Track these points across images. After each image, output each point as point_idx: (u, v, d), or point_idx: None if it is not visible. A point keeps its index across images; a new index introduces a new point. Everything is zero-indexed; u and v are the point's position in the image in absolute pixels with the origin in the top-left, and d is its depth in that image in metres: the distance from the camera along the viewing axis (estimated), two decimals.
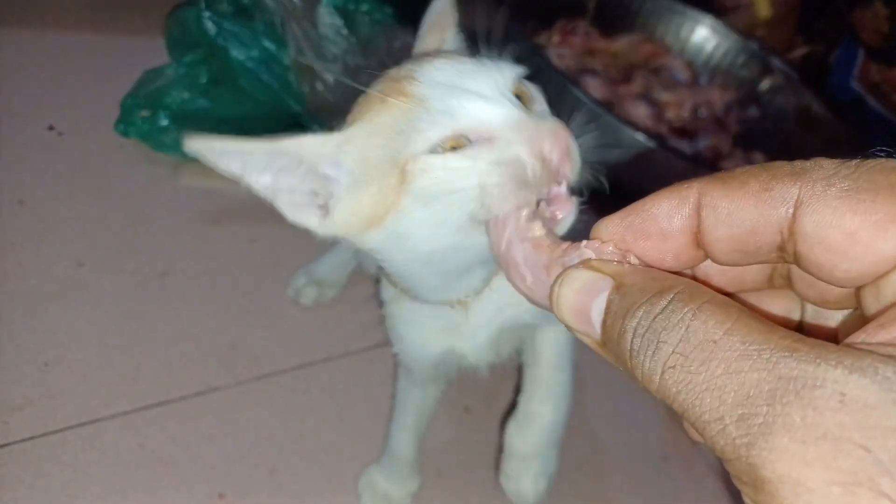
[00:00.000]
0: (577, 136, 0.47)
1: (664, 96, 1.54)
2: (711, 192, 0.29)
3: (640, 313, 0.27)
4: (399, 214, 0.46)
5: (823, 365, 0.22)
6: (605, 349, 0.30)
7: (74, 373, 0.83)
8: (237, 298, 0.96)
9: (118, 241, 0.97)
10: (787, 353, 0.23)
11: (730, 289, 0.34)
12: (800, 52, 1.63)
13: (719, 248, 0.30)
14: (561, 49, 1.53)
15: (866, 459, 0.20)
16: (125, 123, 1.06)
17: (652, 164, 1.23)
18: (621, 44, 1.61)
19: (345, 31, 1.18)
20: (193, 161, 0.46)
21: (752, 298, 0.34)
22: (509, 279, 0.39)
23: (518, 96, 0.46)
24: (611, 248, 0.33)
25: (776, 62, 1.61)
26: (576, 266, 0.32)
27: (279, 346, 0.93)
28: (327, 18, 1.17)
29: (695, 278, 0.33)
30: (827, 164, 0.27)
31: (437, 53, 0.52)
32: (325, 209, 0.49)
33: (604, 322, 0.30)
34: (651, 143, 1.16)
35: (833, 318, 0.33)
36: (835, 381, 0.21)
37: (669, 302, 0.27)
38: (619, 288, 0.30)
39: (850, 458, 0.21)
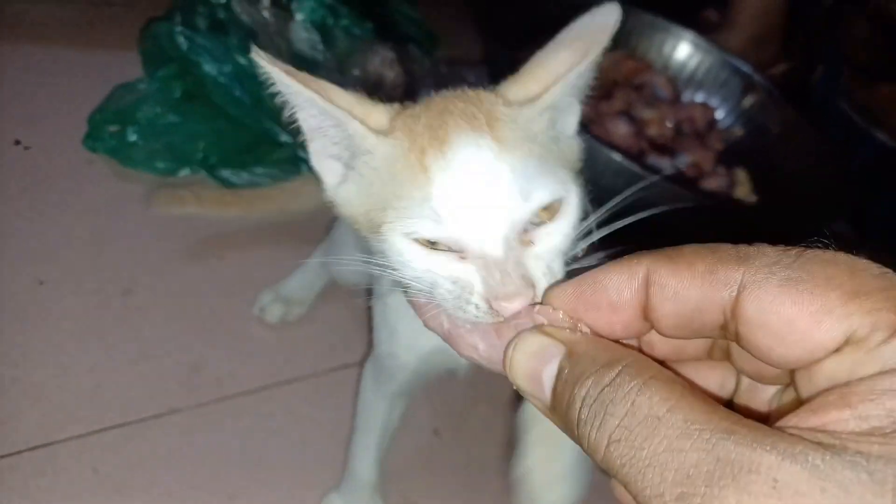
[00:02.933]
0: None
1: (645, 113, 1.53)
2: (660, 270, 0.31)
3: (590, 383, 0.29)
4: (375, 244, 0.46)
5: (759, 450, 0.23)
6: (554, 414, 0.31)
7: (29, 394, 0.81)
8: (201, 318, 0.94)
9: (81, 258, 0.95)
10: (725, 436, 0.24)
11: (671, 357, 0.36)
12: (780, 68, 1.62)
13: (665, 322, 0.32)
14: None
15: None
16: (93, 139, 1.05)
17: (631, 181, 1.21)
18: (603, 60, 1.60)
19: (321, 47, 1.18)
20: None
21: (691, 367, 0.36)
22: (459, 352, 0.39)
23: (549, 210, 0.43)
24: (561, 314, 0.34)
25: (759, 79, 1.60)
26: (530, 330, 0.34)
27: (242, 366, 0.91)
28: (303, 34, 1.16)
29: (640, 347, 0.35)
30: (769, 252, 0.29)
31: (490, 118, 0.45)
32: (344, 173, 0.48)
33: (554, 388, 0.31)
34: (626, 163, 1.15)
35: (766, 392, 0.35)
36: (769, 466, 0.23)
37: (617, 374, 0.28)
38: (570, 356, 0.31)
39: None
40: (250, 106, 1.10)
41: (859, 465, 0.22)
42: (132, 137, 1.03)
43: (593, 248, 0.50)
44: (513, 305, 0.39)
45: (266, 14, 1.06)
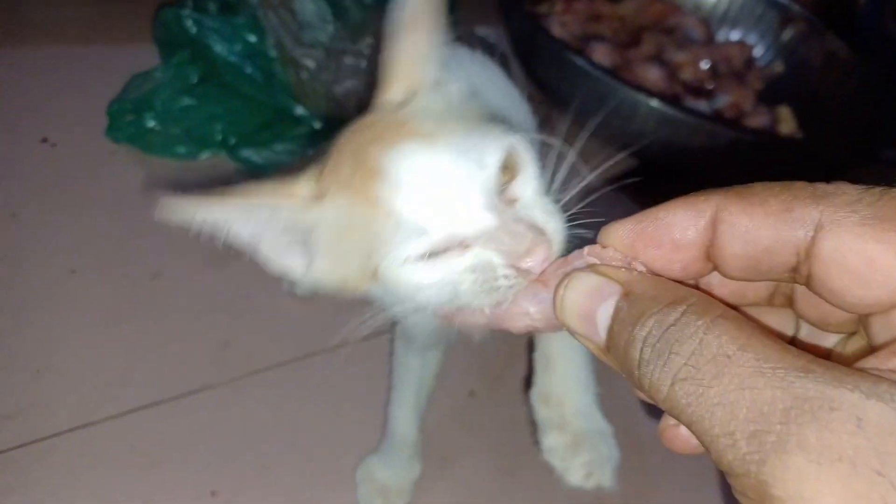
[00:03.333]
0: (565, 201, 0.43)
1: (678, 56, 1.46)
2: (730, 208, 0.29)
3: (651, 323, 0.28)
4: (376, 289, 0.45)
5: (840, 388, 0.22)
6: (609, 355, 0.30)
7: (66, 378, 0.83)
8: (230, 294, 0.94)
9: (110, 246, 0.97)
10: (802, 374, 0.23)
11: (730, 302, 0.33)
12: None
13: (733, 263, 0.30)
14: (564, 17, 1.47)
15: (882, 484, 0.21)
16: (114, 129, 1.06)
17: (665, 124, 1.16)
18: (628, 6, 1.54)
19: (330, 17, 1.16)
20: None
21: (750, 312, 0.34)
22: (514, 328, 0.38)
23: (507, 165, 0.42)
24: (612, 252, 0.33)
25: (797, 9, 1.51)
26: (582, 270, 0.33)
27: (272, 340, 0.91)
28: (310, 6, 1.15)
29: (697, 288, 0.33)
30: (850, 190, 0.27)
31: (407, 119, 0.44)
32: (307, 255, 0.47)
33: (610, 328, 0.30)
34: (656, 104, 1.10)
35: (827, 340, 0.33)
36: (852, 404, 0.22)
37: (682, 314, 0.27)
38: (627, 295, 0.30)
39: (865, 482, 0.21)
40: (263, 83, 1.09)
41: None
42: (150, 123, 1.04)
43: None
44: (537, 257, 0.38)
45: None
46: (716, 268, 0.31)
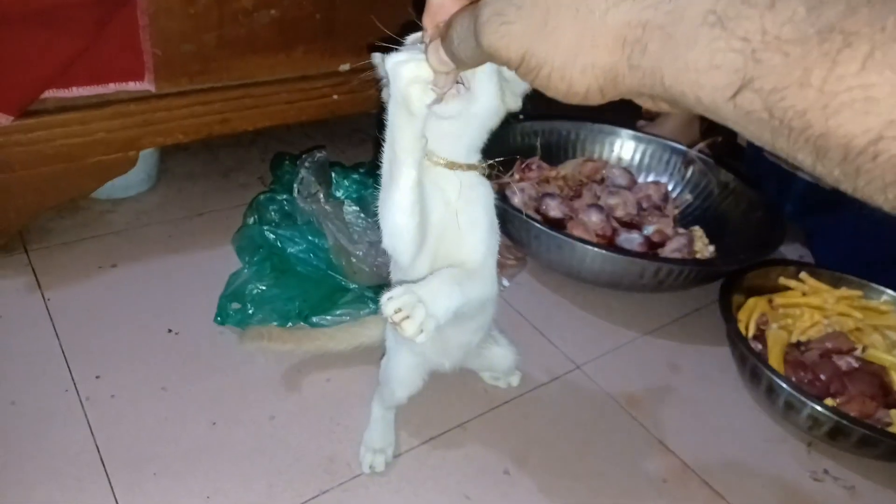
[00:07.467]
0: None
1: (611, 200, 1.95)
2: None
3: (449, 31, 0.57)
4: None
5: None
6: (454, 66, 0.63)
7: None
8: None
9: (215, 408, 1.34)
10: None
11: None
12: (701, 144, 2.05)
13: None
14: (522, 183, 1.96)
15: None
16: (221, 316, 1.47)
17: (608, 262, 1.62)
18: (568, 167, 2.05)
19: (362, 215, 1.62)
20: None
21: None
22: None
23: None
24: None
25: (692, 153, 2.04)
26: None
27: None
28: (350, 209, 1.61)
29: None
30: None
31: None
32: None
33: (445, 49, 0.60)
34: (599, 249, 1.55)
35: None
36: None
37: (455, 19, 0.55)
38: (444, 27, 0.59)
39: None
40: (324, 269, 1.53)
41: None
42: (250, 310, 1.45)
43: None
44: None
45: (325, 207, 1.51)
46: None
